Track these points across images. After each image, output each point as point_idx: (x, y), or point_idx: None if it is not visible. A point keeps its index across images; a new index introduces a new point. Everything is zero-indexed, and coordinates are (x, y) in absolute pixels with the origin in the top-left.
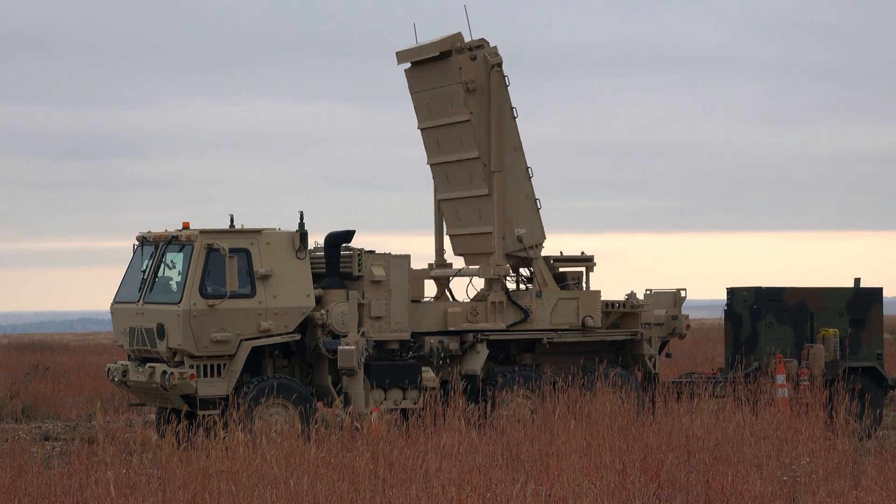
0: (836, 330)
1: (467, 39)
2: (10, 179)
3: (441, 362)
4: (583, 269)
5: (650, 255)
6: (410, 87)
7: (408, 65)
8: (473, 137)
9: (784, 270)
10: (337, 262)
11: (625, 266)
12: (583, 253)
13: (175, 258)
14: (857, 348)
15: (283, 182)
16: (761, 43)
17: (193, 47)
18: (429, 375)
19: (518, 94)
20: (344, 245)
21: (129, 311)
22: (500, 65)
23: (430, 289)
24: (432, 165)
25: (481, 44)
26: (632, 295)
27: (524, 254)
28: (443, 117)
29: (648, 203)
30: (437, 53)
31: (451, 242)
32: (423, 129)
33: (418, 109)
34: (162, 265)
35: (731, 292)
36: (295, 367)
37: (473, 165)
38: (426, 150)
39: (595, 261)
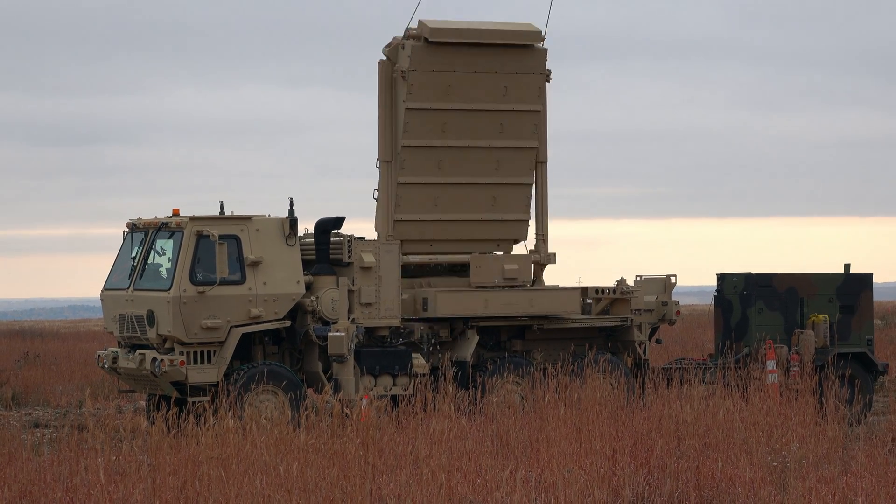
0: (826, 316)
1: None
2: (0, 166)
3: (431, 349)
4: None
5: (640, 241)
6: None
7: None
8: (535, 127)
9: (774, 256)
10: (327, 249)
11: (615, 252)
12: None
13: (165, 245)
14: (847, 334)
15: (272, 168)
16: (751, 29)
17: (182, 33)
18: (419, 362)
19: None
20: (334, 231)
21: (119, 298)
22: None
23: None
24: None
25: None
26: (622, 281)
27: None
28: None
29: (638, 189)
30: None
31: None
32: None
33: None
34: (152, 252)
35: (721, 278)
36: (285, 353)
37: (527, 154)
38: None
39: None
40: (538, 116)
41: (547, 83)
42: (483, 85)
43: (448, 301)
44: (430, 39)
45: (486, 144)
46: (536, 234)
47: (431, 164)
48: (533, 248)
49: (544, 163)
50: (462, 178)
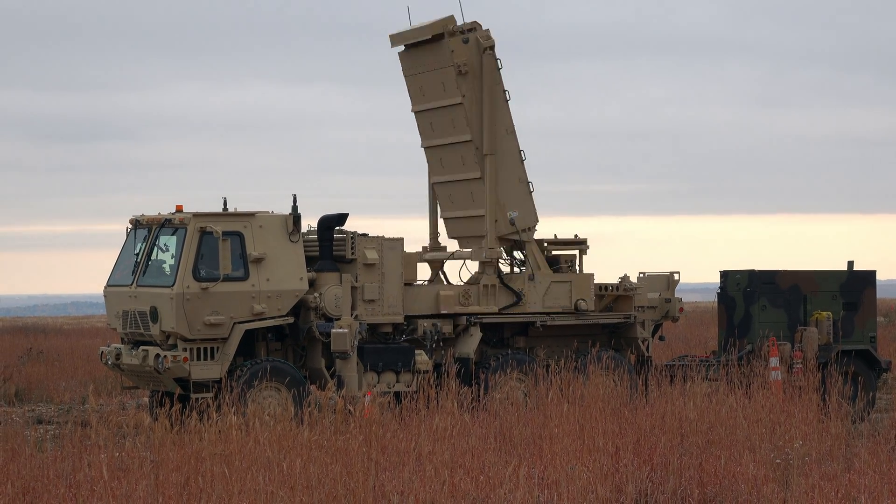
0: (830, 313)
1: (460, 22)
2: (4, 163)
3: (434, 345)
4: (576, 252)
5: (644, 237)
6: (404, 70)
7: (402, 48)
8: (466, 120)
9: (777, 253)
10: (330, 246)
11: (618, 249)
12: (576, 236)
13: (168, 241)
14: (851, 331)
15: (276, 165)
16: (756, 26)
17: (187, 30)
18: (422, 358)
19: (513, 78)
20: (337, 228)
21: (122, 295)
22: (492, 48)
23: (423, 272)
24: (426, 148)
25: (473, 27)
26: (625, 278)
27: (517, 237)
28: (436, 100)
29: (642, 186)
30: (430, 36)
31: (445, 225)
32: (416, 112)
33: (412, 92)
34: (155, 248)
35: (725, 275)
36: (288, 350)
37: (466, 148)
38: (420, 133)
39: (588, 244)
40: (462, 109)
41: (461, 75)
42: (418, 85)
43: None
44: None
45: (428, 144)
46: (482, 230)
47: (433, 165)
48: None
49: (491, 154)
50: (435, 177)
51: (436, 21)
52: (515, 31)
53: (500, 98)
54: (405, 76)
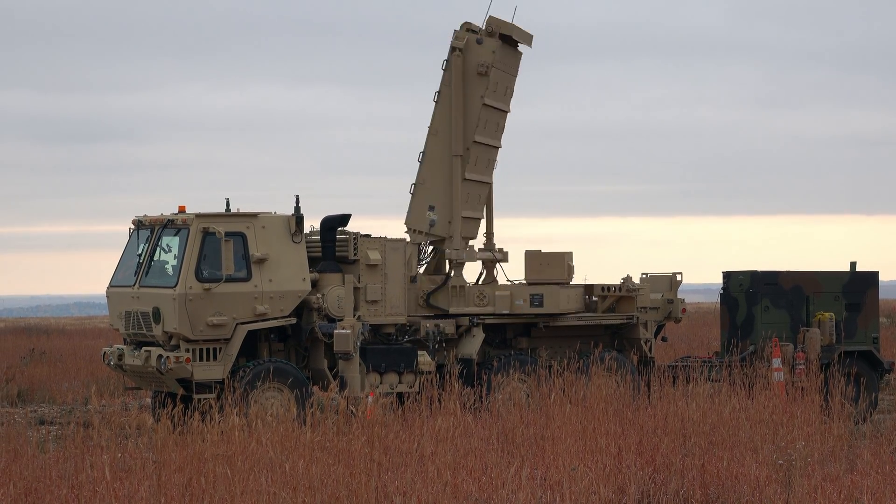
0: (832, 314)
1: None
2: (7, 164)
3: (437, 346)
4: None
5: (646, 238)
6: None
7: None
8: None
9: (780, 254)
10: (333, 246)
11: (621, 250)
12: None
13: (171, 242)
14: (853, 332)
15: (279, 165)
16: (757, 27)
17: (189, 31)
18: (425, 359)
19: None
20: (340, 229)
21: (125, 295)
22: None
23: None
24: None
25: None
26: (628, 279)
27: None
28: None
29: (645, 187)
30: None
31: (463, 225)
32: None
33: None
34: (158, 249)
35: (727, 276)
36: (291, 350)
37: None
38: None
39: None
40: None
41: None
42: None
43: None
44: (505, 38)
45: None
46: (486, 232)
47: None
48: (483, 245)
49: (458, 156)
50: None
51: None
52: None
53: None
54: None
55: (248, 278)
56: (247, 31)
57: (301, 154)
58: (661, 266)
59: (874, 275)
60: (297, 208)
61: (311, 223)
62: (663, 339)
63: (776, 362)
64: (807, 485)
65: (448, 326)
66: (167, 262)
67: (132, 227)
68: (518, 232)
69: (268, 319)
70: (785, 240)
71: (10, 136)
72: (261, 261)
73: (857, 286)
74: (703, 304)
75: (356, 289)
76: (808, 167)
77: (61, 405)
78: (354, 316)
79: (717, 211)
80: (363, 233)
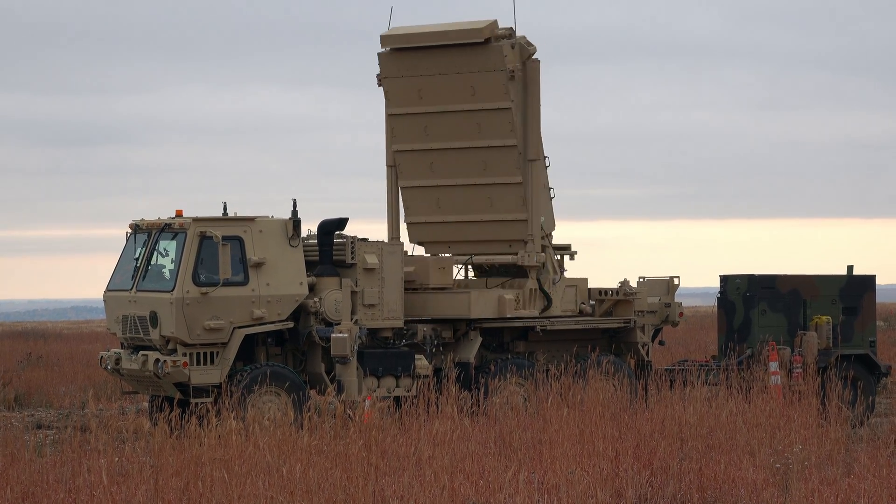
0: (829, 317)
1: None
2: (4, 167)
3: (434, 350)
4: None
5: (643, 242)
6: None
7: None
8: (511, 125)
9: (777, 258)
10: (330, 250)
11: (618, 253)
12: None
13: (168, 246)
14: (850, 336)
15: (276, 169)
16: (754, 30)
17: (186, 34)
18: (422, 363)
19: None
20: (337, 233)
21: (122, 299)
22: (532, 55)
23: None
24: (467, 149)
25: (510, 33)
26: (625, 282)
27: (543, 241)
28: (486, 102)
29: (641, 190)
30: (483, 40)
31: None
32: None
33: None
34: (155, 253)
35: (724, 280)
36: (288, 354)
37: (509, 153)
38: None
39: (574, 249)
40: (509, 114)
41: (511, 80)
42: (450, 86)
43: None
44: (390, 47)
45: (468, 145)
46: (526, 235)
47: (424, 167)
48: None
49: (536, 160)
50: (454, 179)
51: (476, 24)
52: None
53: (538, 104)
54: (408, 77)
55: (245, 282)
56: (245, 34)
57: (299, 158)
58: (658, 270)
59: (871, 278)
60: (295, 212)
61: (309, 227)
62: (661, 343)
63: (773, 366)
64: (804, 488)
65: (445, 330)
66: (164, 267)
67: (129, 231)
68: None
69: (265, 323)
70: (782, 243)
71: (6, 139)
72: (258, 265)
73: (854, 290)
74: (701, 308)
75: (353, 293)
76: (806, 171)
77: (58, 409)
78: (352, 320)
79: (714, 214)
80: (360, 237)
